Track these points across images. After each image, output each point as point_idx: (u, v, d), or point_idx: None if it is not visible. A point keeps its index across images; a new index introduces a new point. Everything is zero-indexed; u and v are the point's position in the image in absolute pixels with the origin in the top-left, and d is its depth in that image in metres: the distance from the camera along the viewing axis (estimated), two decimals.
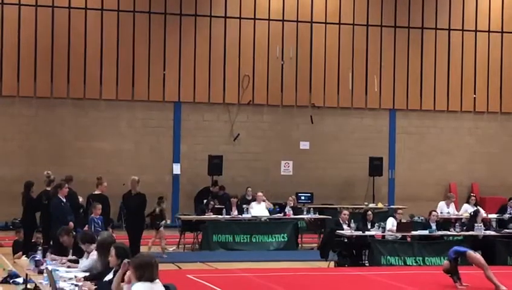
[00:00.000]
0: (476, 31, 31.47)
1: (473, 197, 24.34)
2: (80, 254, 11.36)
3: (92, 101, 27.98)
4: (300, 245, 22.36)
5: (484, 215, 19.98)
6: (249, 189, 24.92)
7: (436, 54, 31.15)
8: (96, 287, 9.13)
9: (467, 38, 31.38)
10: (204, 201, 23.50)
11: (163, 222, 20.37)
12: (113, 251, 8.97)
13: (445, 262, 15.07)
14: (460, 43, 31.35)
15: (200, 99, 28.97)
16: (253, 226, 22.14)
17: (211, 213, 22.07)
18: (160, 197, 20.82)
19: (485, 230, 19.33)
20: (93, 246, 10.97)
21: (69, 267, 11.34)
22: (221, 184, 26.69)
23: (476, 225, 19.19)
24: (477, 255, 15.26)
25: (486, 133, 31.60)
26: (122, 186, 22.92)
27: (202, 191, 27.03)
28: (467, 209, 23.40)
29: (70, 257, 11.75)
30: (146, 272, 7.77)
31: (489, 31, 31.56)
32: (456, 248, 15.37)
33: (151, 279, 7.81)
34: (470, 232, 19.18)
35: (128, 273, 8.47)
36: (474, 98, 31.48)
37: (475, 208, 22.85)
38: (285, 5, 29.70)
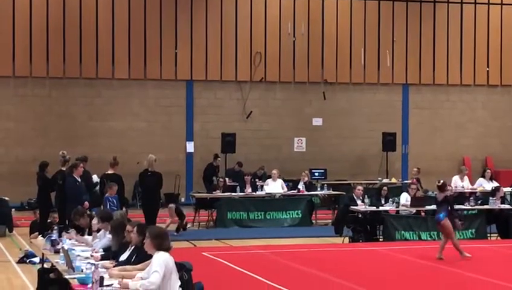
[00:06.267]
0: (488, 3, 31.25)
1: (488, 171, 24.20)
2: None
3: (105, 81, 28.03)
4: (314, 221, 22.40)
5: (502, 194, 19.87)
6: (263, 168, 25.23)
7: (448, 27, 30.97)
8: (116, 263, 9.22)
9: (479, 11, 31.18)
10: (214, 179, 23.46)
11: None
12: (135, 229, 9.16)
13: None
14: (472, 16, 31.15)
15: (212, 77, 28.95)
16: (268, 203, 22.18)
17: (218, 191, 22.11)
18: None
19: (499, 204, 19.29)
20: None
21: (76, 240, 11.46)
22: (237, 161, 26.70)
23: (491, 199, 19.15)
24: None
25: (500, 107, 31.47)
26: (136, 165, 23.04)
27: (207, 168, 26.88)
28: (482, 184, 23.33)
29: (86, 236, 11.81)
30: (164, 241, 8.17)
31: (502, 4, 31.33)
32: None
33: (168, 248, 8.14)
34: (485, 206, 19.15)
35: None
36: (488, 71, 31.34)
37: (491, 183, 22.78)
38: None
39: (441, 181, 16.08)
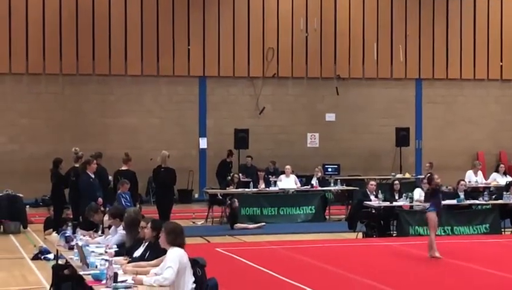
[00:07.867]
0: None
1: (502, 166, 24.15)
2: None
3: (117, 77, 28.08)
4: (328, 217, 22.37)
5: None
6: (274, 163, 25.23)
7: (461, 21, 30.84)
8: (130, 260, 9.25)
9: (492, 5, 31.02)
10: (229, 177, 23.46)
11: None
12: (149, 224, 9.20)
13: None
14: (486, 10, 31.00)
15: (224, 73, 28.95)
16: (281, 198, 22.18)
17: (231, 187, 22.10)
18: None
19: None
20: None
21: (91, 236, 11.49)
22: (248, 155, 26.67)
23: (505, 193, 19.09)
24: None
25: None
26: (150, 161, 23.07)
27: (221, 164, 26.93)
28: (496, 178, 23.26)
29: (100, 233, 11.84)
30: (178, 237, 8.17)
31: None
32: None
33: (182, 244, 8.20)
34: (499, 201, 19.09)
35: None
36: (501, 65, 31.19)
37: (505, 177, 22.73)
38: None
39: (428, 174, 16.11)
